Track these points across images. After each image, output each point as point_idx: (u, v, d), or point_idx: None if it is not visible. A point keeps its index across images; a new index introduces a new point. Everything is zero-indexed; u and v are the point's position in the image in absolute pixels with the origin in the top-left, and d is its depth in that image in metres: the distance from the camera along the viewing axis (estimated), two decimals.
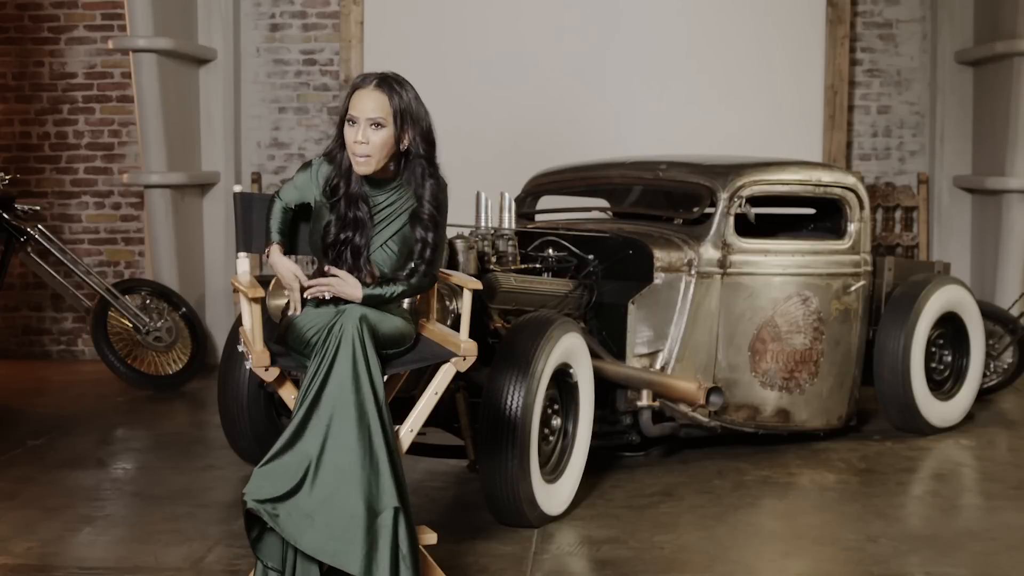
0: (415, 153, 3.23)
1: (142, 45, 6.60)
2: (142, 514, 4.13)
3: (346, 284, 3.16)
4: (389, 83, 3.19)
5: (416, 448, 4.17)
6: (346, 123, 3.19)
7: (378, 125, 3.16)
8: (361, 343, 3.00)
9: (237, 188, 3.50)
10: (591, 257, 4.88)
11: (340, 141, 3.24)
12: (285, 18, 7.35)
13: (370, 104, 3.16)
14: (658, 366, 4.73)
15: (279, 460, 2.94)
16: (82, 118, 7.32)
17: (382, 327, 3.15)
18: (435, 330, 3.50)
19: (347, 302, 3.18)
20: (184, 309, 6.60)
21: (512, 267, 4.72)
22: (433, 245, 3.25)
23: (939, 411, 5.42)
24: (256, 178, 7.24)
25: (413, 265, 3.25)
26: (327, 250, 3.24)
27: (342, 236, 3.22)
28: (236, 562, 3.60)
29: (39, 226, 6.29)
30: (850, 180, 5.19)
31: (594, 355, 4.43)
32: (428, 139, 3.24)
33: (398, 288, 3.22)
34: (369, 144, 3.16)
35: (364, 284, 3.19)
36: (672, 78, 7.10)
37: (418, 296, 3.86)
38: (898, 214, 7.23)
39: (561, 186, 5.64)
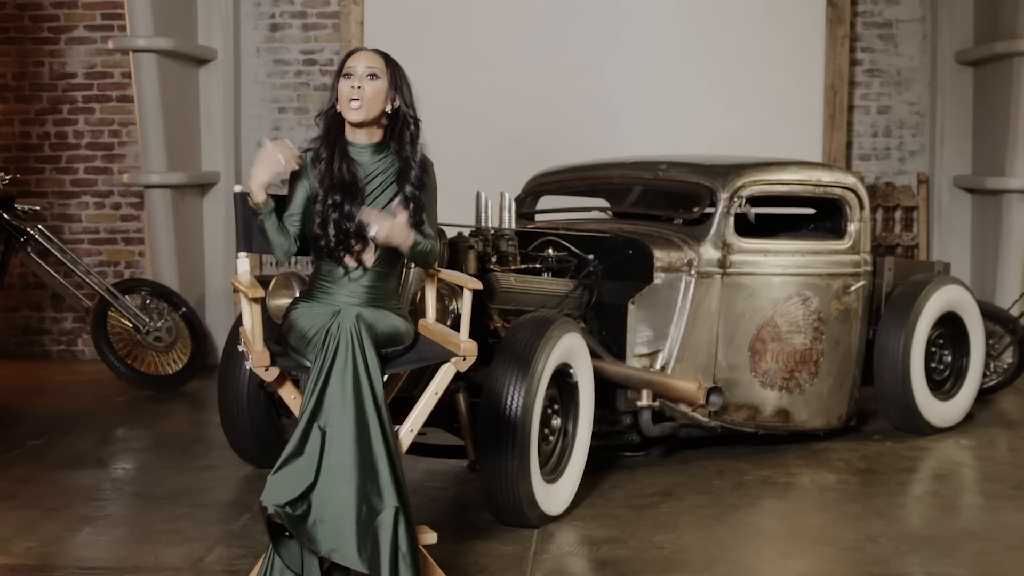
0: (403, 118, 3.32)
1: (142, 45, 6.60)
2: (142, 514, 4.13)
3: (403, 229, 3.16)
4: (382, 52, 3.37)
5: (416, 448, 4.17)
6: (341, 79, 3.30)
7: (374, 76, 3.28)
8: (359, 342, 3.01)
9: (237, 188, 3.50)
10: (591, 257, 4.88)
11: (331, 107, 3.33)
12: (285, 18, 7.35)
13: (365, 58, 3.31)
14: (658, 366, 4.73)
15: (290, 465, 2.96)
16: (82, 118, 7.32)
17: (379, 325, 3.15)
18: (435, 330, 3.50)
19: (340, 299, 3.22)
20: (184, 309, 6.60)
21: (512, 267, 4.72)
22: (422, 204, 3.29)
23: (939, 411, 5.42)
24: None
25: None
26: (316, 218, 3.26)
27: (329, 201, 3.25)
28: (236, 562, 3.60)
29: (39, 226, 6.29)
30: (850, 180, 5.19)
31: (594, 355, 4.43)
32: (414, 108, 3.36)
33: (429, 245, 3.27)
34: (364, 89, 3.26)
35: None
36: (672, 78, 7.10)
37: (417, 296, 3.87)
38: (898, 214, 7.23)
39: (561, 186, 5.64)
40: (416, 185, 3.29)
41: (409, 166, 3.31)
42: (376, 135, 3.33)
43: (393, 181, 3.30)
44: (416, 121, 3.35)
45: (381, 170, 3.31)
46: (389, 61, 3.33)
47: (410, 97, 3.35)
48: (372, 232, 3.16)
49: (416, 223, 3.26)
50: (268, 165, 3.21)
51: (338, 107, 3.31)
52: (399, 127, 3.33)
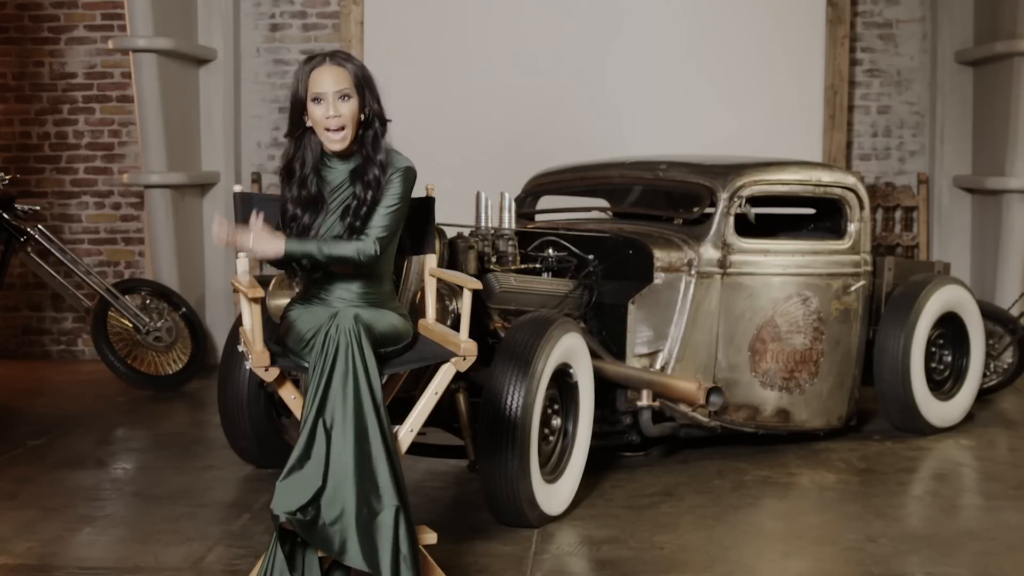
0: (370, 119, 3.24)
1: (142, 45, 6.60)
2: (142, 514, 4.13)
3: (263, 239, 3.11)
4: (339, 57, 3.24)
5: (416, 448, 4.17)
6: (311, 103, 3.20)
7: (346, 96, 3.19)
8: (357, 343, 3.00)
9: (237, 188, 3.50)
10: (591, 257, 4.88)
11: (299, 127, 3.24)
12: (285, 18, 7.35)
13: (332, 78, 3.19)
14: (658, 366, 4.73)
15: (298, 472, 2.96)
16: (82, 118, 7.32)
17: (378, 325, 3.15)
18: (435, 330, 3.50)
19: (336, 300, 3.22)
20: (184, 309, 6.60)
21: (512, 267, 4.72)
22: (369, 203, 3.20)
23: (939, 411, 5.42)
24: (256, 178, 7.24)
25: (348, 223, 3.20)
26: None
27: (291, 213, 3.24)
28: (236, 562, 3.60)
29: (39, 226, 6.29)
30: (850, 180, 5.19)
31: (594, 355, 4.43)
32: (380, 102, 3.27)
33: (337, 250, 3.15)
34: (342, 117, 3.18)
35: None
36: (672, 78, 7.10)
37: (417, 296, 3.87)
38: (898, 214, 7.23)
39: (561, 186, 5.64)
40: (367, 184, 3.21)
41: (368, 163, 3.23)
42: (351, 147, 3.26)
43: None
44: (383, 120, 3.26)
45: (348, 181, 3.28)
46: (351, 68, 3.21)
47: (377, 95, 3.25)
48: (248, 248, 3.11)
49: (352, 226, 3.19)
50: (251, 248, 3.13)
51: (308, 122, 3.23)
52: (365, 132, 3.25)
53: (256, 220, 3.15)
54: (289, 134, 3.28)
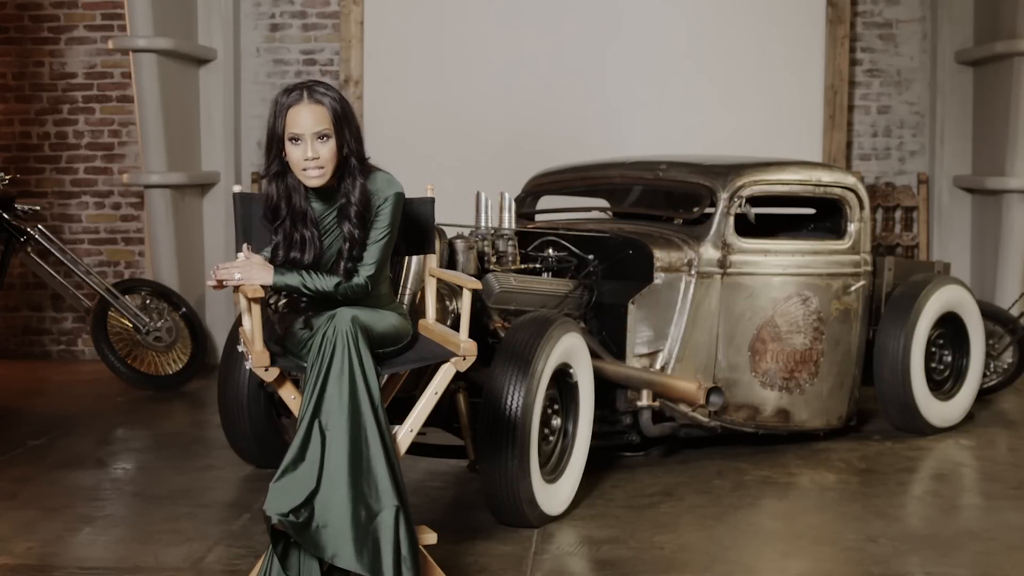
0: (348, 153, 3.18)
1: (142, 45, 6.60)
2: (142, 514, 4.13)
3: (252, 267, 3.12)
4: (317, 93, 3.15)
5: (416, 448, 4.17)
6: (288, 143, 3.13)
7: (325, 137, 3.12)
8: (354, 344, 3.00)
9: (237, 188, 3.49)
10: (591, 257, 4.88)
11: (277, 164, 3.18)
12: (285, 18, 7.35)
13: (311, 118, 3.11)
14: (658, 366, 4.73)
15: (292, 473, 2.95)
16: (82, 118, 7.32)
17: (376, 326, 3.14)
18: (435, 330, 3.50)
19: (333, 305, 3.19)
20: (184, 309, 6.60)
21: (512, 267, 4.72)
22: (359, 242, 3.17)
23: (939, 411, 5.42)
24: (256, 178, 7.24)
25: (342, 266, 3.17)
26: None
27: (282, 260, 3.19)
28: (236, 562, 3.60)
29: (39, 226, 6.29)
30: (850, 180, 5.19)
31: (594, 355, 4.43)
32: (358, 137, 3.21)
33: (322, 284, 3.14)
34: (320, 158, 3.12)
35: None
36: (672, 78, 7.10)
37: (417, 296, 3.87)
38: (898, 214, 7.23)
39: (561, 186, 5.64)
40: (355, 223, 3.17)
41: (348, 202, 3.18)
42: (331, 181, 3.20)
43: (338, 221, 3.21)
44: (361, 159, 3.19)
45: (334, 215, 3.24)
46: (331, 106, 3.13)
47: (357, 132, 3.18)
48: (228, 282, 3.12)
49: (348, 267, 3.16)
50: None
51: (286, 158, 3.16)
52: (344, 166, 3.18)
53: (244, 253, 3.14)
54: (266, 173, 3.20)
